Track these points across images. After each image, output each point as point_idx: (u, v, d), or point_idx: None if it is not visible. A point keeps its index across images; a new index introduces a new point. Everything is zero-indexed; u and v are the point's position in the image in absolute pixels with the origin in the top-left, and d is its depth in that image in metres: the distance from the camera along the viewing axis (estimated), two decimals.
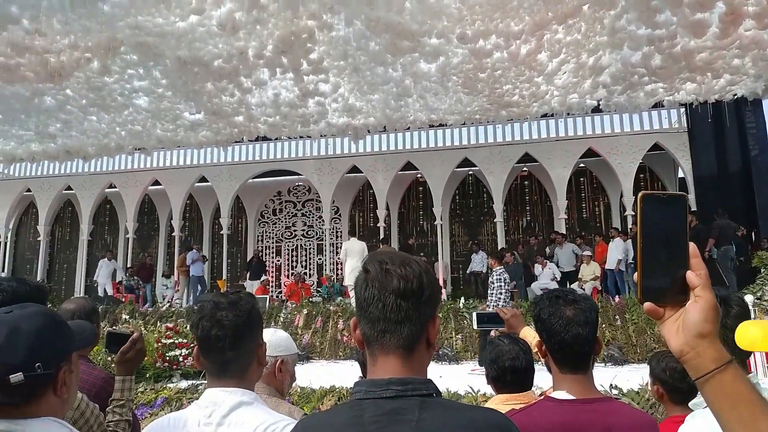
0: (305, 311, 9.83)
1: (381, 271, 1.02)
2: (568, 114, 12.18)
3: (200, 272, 13.61)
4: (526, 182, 15.90)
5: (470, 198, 16.09)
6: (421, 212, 16.36)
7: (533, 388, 2.30)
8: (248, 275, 14.23)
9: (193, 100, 9.96)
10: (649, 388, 2.29)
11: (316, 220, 16.68)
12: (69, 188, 16.58)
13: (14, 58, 8.08)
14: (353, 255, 10.64)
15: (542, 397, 2.09)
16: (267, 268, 15.39)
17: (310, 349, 8.98)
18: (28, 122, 11.29)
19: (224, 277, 15.32)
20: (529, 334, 2.27)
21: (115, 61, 8.74)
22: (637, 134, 13.38)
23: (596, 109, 11.50)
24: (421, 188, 16.19)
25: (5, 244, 16.99)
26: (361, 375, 1.90)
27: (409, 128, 12.69)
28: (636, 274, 0.83)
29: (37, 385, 1.11)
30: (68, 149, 12.74)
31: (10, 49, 7.67)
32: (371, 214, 16.29)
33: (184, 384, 5.83)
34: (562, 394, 1.53)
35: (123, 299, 13.19)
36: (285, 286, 15.40)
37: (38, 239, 16.96)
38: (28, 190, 16.88)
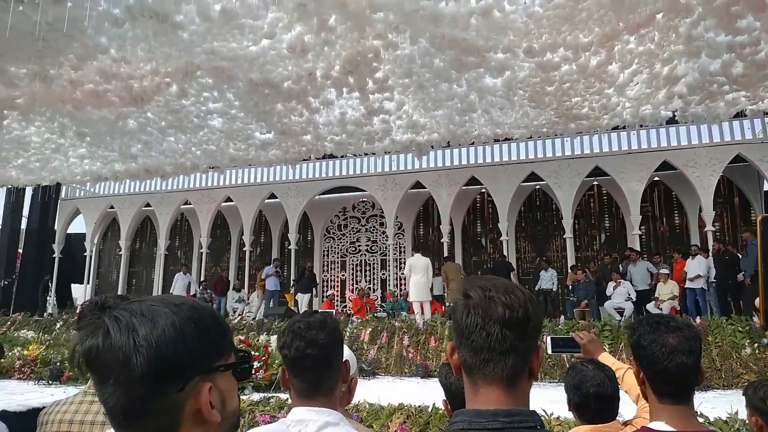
0: (371, 327, 9.86)
1: (485, 298, 1.00)
2: (641, 126, 11.70)
3: (274, 287, 13.96)
4: (599, 197, 15.35)
5: (537, 213, 15.73)
6: (485, 228, 16.13)
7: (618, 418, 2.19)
8: (299, 288, 14.34)
9: (263, 120, 10.32)
10: (746, 419, 2.12)
11: (380, 235, 16.80)
12: (148, 205, 17.57)
13: (102, 84, 8.67)
14: (417, 271, 10.62)
15: (627, 427, 1.99)
16: (317, 283, 15.49)
17: (375, 365, 9.00)
18: (112, 144, 12.06)
19: (291, 291, 15.65)
20: (608, 361, 2.17)
21: (192, 84, 9.21)
22: (716, 146, 12.66)
23: (671, 121, 10.97)
24: (485, 204, 15.99)
25: (90, 257, 18.14)
26: (445, 398, 1.87)
27: (473, 143, 12.58)
28: (758, 299, 0.78)
29: None
30: (148, 168, 13.49)
31: (99, 76, 8.23)
32: (434, 230, 16.23)
33: (256, 396, 5.97)
34: (660, 425, 1.44)
35: None
36: (350, 300, 15.57)
37: (119, 253, 18.01)
38: (111, 207, 18.02)
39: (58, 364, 8.62)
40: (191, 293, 15.77)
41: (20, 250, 18.15)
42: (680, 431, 1.41)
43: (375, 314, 11.41)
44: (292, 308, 13.64)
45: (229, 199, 16.60)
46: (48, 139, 11.74)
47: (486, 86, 9.43)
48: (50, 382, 8.06)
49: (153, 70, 8.39)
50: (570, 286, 12.43)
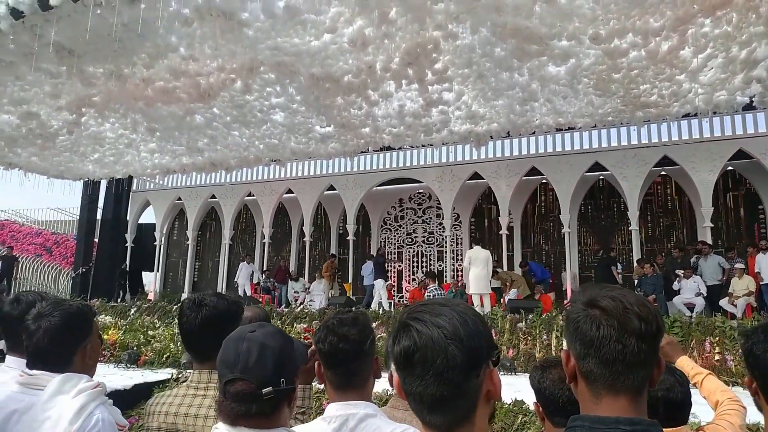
0: None
1: (618, 310, 1.00)
2: (715, 113, 11.09)
3: (371, 281, 14.10)
4: (667, 187, 14.71)
5: (601, 204, 15.23)
6: (546, 219, 15.77)
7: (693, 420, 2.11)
8: (373, 273, 14.16)
9: (324, 114, 10.47)
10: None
11: (437, 226, 16.76)
12: (213, 197, 18.23)
13: (172, 82, 9.04)
14: (477, 263, 10.53)
15: None
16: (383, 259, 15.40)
17: None
18: (180, 138, 12.56)
19: (350, 280, 15.88)
20: (686, 364, 2.09)
21: (256, 80, 9.46)
22: None
23: (748, 107, 10.37)
24: (546, 194, 15.64)
25: (159, 247, 19.03)
26: (536, 401, 1.85)
27: (534, 132, 12.31)
28: None
29: (279, 398, 1.24)
30: (213, 161, 13.97)
31: (169, 74, 8.58)
32: (492, 221, 16.03)
33: (321, 385, 6.12)
34: None
35: (260, 300, 14.19)
36: (407, 291, 15.65)
37: (186, 243, 18.80)
38: (179, 199, 18.81)
39: (135, 348, 9.12)
40: (254, 281, 16.29)
41: (96, 240, 19.23)
42: None
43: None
44: (352, 297, 13.85)
45: (289, 191, 16.99)
46: (121, 134, 12.36)
47: (549, 75, 9.20)
48: (128, 365, 8.54)
49: (219, 66, 8.67)
50: (636, 281, 11.99)
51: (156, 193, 19.08)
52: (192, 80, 9.01)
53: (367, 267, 14.35)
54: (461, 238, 16.11)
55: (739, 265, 10.62)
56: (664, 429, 1.91)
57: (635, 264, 12.37)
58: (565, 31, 7.69)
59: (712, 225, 12.41)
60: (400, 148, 14.52)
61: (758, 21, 7.12)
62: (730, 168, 13.49)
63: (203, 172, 16.06)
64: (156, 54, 7.92)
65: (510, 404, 5.23)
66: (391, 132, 11.25)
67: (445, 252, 15.33)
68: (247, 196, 17.85)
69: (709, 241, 11.88)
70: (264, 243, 17.17)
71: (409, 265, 17.04)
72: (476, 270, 10.42)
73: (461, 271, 15.03)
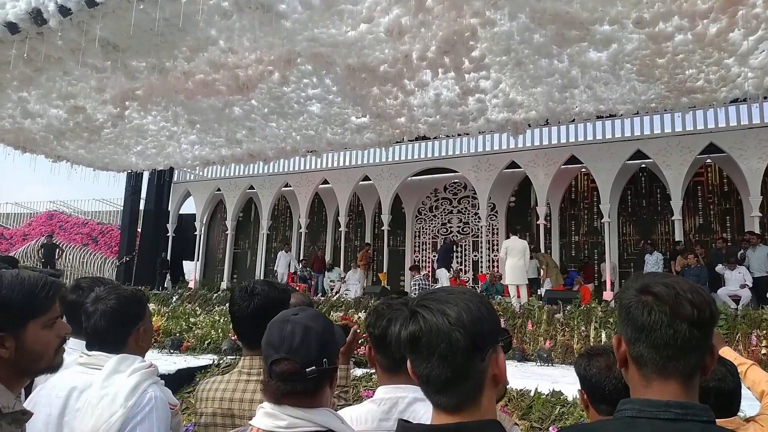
0: None
1: (671, 296, 1.01)
2: (765, 98, 10.64)
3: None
4: (713, 176, 14.22)
5: (642, 194, 14.82)
6: (586, 209, 15.47)
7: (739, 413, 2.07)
8: (437, 262, 13.95)
9: (359, 104, 10.49)
10: None
11: (472, 216, 16.65)
12: (251, 188, 18.54)
13: (211, 74, 9.20)
14: (514, 254, 10.42)
15: (749, 423, 1.88)
16: (456, 243, 15.08)
17: None
18: (219, 130, 12.79)
19: (385, 270, 15.95)
20: (730, 355, 2.07)
21: (293, 72, 9.54)
22: None
23: None
24: (586, 183, 15.32)
25: (199, 236, 19.48)
26: (580, 388, 1.84)
27: (573, 120, 12.05)
28: None
29: (322, 378, 1.29)
30: (252, 153, 14.19)
31: (209, 67, 8.73)
32: (530, 211, 15.81)
33: (358, 372, 6.20)
34: None
35: (297, 288, 14.42)
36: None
37: (225, 233, 19.19)
38: (218, 190, 19.19)
39: (178, 334, 9.40)
40: (291, 270, 16.52)
41: (139, 230, 19.81)
42: None
43: None
44: (387, 287, 13.89)
45: (325, 182, 17.14)
46: (163, 127, 12.66)
47: (590, 61, 8.99)
48: (171, 351, 8.80)
49: (257, 58, 8.77)
50: (679, 272, 11.67)
51: (196, 184, 19.52)
52: (231, 73, 9.14)
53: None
54: (497, 228, 15.95)
55: None
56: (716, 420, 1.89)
57: (678, 255, 12.02)
58: (607, 15, 7.49)
59: (761, 215, 11.95)
60: (435, 138, 14.40)
61: None
62: None
63: (242, 163, 16.35)
64: (196, 47, 8.06)
65: (548, 395, 5.19)
66: (427, 121, 11.19)
67: (481, 242, 15.22)
68: (284, 186, 18.09)
69: (758, 231, 11.45)
70: (300, 233, 17.41)
71: None
72: (513, 260, 10.32)
73: (497, 261, 14.90)
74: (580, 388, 1.83)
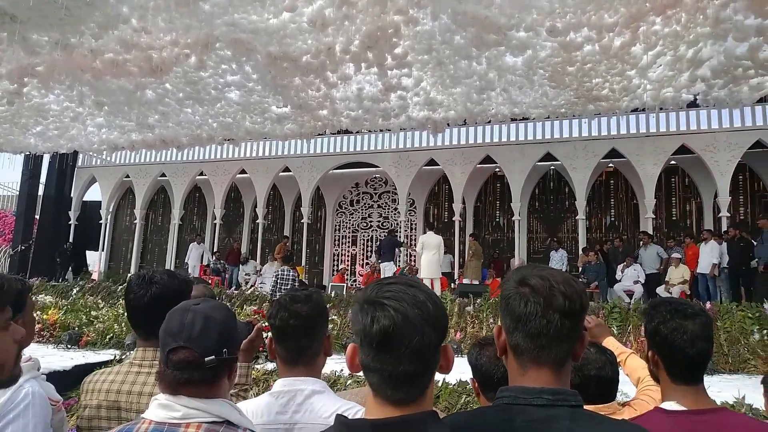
0: None
1: (545, 288, 1.06)
2: (661, 109, 11.54)
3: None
4: (611, 179, 15.26)
5: (551, 194, 15.67)
6: (498, 207, 16.10)
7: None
8: (380, 256, 13.48)
9: (280, 94, 10.30)
10: (764, 406, 2.18)
11: (392, 211, 16.86)
12: (163, 175, 17.70)
13: (122, 54, 8.69)
14: (430, 248, 10.67)
15: (625, 408, 2.05)
16: (403, 244, 14.59)
17: None
18: (130, 114, 12.10)
19: (303, 264, 15.82)
20: (612, 345, 2.23)
21: (211, 56, 9.20)
22: (737, 131, 12.49)
23: (692, 104, 10.84)
24: (499, 183, 15.96)
25: (105, 225, 18.38)
26: (472, 377, 1.93)
27: (490, 122, 12.50)
28: None
29: (221, 368, 1.26)
30: (164, 139, 13.54)
31: (120, 46, 8.24)
32: (446, 208, 16.25)
33: (270, 366, 6.12)
34: (672, 405, 1.50)
35: (210, 281, 13.95)
36: (360, 275, 15.71)
37: (134, 222, 18.23)
38: (127, 176, 18.18)
39: (76, 329, 8.83)
40: (204, 263, 15.98)
41: (37, 216, 18.40)
42: (693, 409, 1.47)
43: None
44: (305, 281, 13.78)
45: (243, 172, 16.69)
46: (67, 107, 11.81)
47: (506, 65, 9.35)
48: (69, 346, 8.27)
49: (173, 41, 8.38)
50: (581, 268, 12.46)
51: (103, 170, 18.38)
52: (144, 54, 8.67)
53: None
54: (416, 224, 16.27)
55: (676, 255, 11.18)
56: (595, 405, 2.04)
57: (580, 252, 12.82)
58: (523, 22, 7.81)
59: (654, 216, 12.99)
60: (357, 132, 14.46)
61: (705, 22, 7.42)
62: (673, 162, 14.10)
63: (153, 150, 15.57)
64: (106, 24, 7.57)
65: (455, 385, 5.37)
66: (349, 115, 11.18)
67: (400, 237, 15.46)
68: (199, 175, 17.43)
69: (650, 232, 12.43)
70: (215, 224, 16.86)
71: (363, 250, 17.08)
72: (428, 255, 10.58)
73: (415, 255, 15.17)
74: (472, 376, 1.92)
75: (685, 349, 1.50)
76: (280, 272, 9.58)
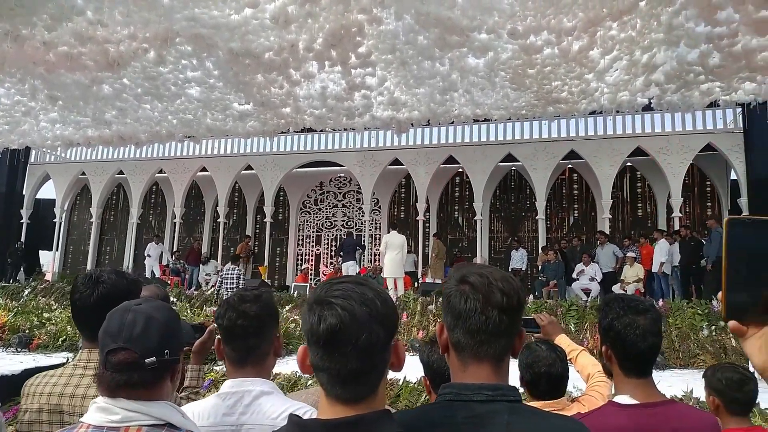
0: None
1: (484, 285, 1.08)
2: (618, 112, 11.85)
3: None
4: (573, 180, 15.62)
5: (512, 194, 15.93)
6: (461, 207, 16.28)
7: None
8: (341, 257, 13.56)
9: (242, 91, 10.17)
10: (705, 399, 2.27)
11: (356, 211, 16.84)
12: (121, 173, 17.21)
13: (77, 47, 8.42)
14: (393, 248, 10.71)
15: (574, 404, 2.12)
16: (364, 246, 14.77)
17: None
18: (85, 109, 11.73)
19: (266, 263, 15.64)
20: (564, 342, 2.29)
21: (170, 51, 9.00)
22: (689, 134, 12.98)
23: (647, 108, 11.21)
24: (462, 183, 16.14)
25: (60, 224, 17.76)
26: (424, 374, 1.96)
27: (453, 122, 12.63)
28: (721, 293, 0.87)
29: (162, 370, 1.22)
30: (122, 135, 13.18)
31: (74, 38, 7.99)
32: (411, 207, 16.33)
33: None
34: (625, 399, 1.56)
35: (169, 282, 13.65)
36: (324, 275, 15.64)
37: (90, 221, 17.67)
38: (83, 174, 17.60)
39: (27, 331, 8.51)
40: (164, 263, 15.63)
41: None
42: (644, 402, 1.53)
43: None
44: (267, 281, 13.63)
45: (204, 170, 16.38)
46: (18, 101, 11.40)
47: (468, 66, 9.47)
48: (18, 349, 7.96)
49: (130, 34, 8.16)
50: (540, 267, 12.71)
51: (57, 167, 17.74)
52: (100, 47, 8.42)
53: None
54: (380, 223, 16.30)
55: (631, 254, 11.54)
56: (545, 401, 2.10)
57: (540, 251, 13.08)
58: (485, 24, 7.93)
59: (611, 216, 13.36)
60: (321, 131, 14.36)
61: (659, 28, 7.69)
62: (629, 164, 14.53)
63: (110, 146, 15.14)
64: (59, 16, 7.32)
65: (416, 383, 5.41)
66: (313, 113, 11.13)
67: (364, 236, 15.46)
68: (158, 173, 17.01)
69: (607, 232, 12.79)
70: (175, 223, 16.50)
71: (328, 249, 17.00)
72: (391, 254, 10.61)
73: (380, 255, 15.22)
74: (423, 374, 1.95)
75: (638, 344, 1.55)
76: (224, 271, 9.45)
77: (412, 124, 12.14)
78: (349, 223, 16.98)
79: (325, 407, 1.01)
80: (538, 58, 8.90)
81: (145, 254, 15.35)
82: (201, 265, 14.83)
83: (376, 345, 0.97)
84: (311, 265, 16.85)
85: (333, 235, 17.02)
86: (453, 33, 8.06)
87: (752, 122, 12.12)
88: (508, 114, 11.67)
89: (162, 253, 15.69)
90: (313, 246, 17.16)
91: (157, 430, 1.17)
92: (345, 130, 13.81)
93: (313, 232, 17.29)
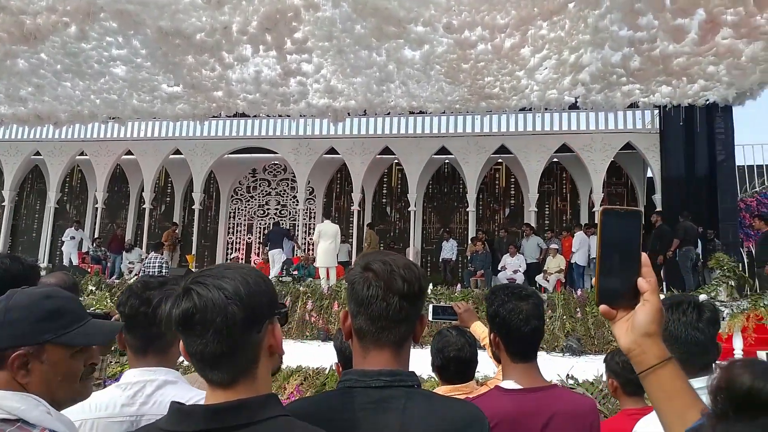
0: None
1: (386, 272, 1.10)
2: (546, 109, 12.32)
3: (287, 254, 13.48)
4: (502, 174, 16.10)
5: (445, 186, 16.23)
6: (395, 198, 16.42)
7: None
8: (268, 245, 13.45)
9: (172, 72, 9.78)
10: (606, 382, 2.44)
11: (290, 200, 16.62)
12: (38, 154, 16.11)
13: None
14: (327, 237, 10.67)
15: (492, 387, 2.22)
16: (293, 234, 14.74)
17: None
18: None
19: (194, 252, 15.18)
20: (479, 329, 2.39)
21: (94, 27, 8.53)
22: (610, 133, 13.67)
23: (573, 106, 11.71)
24: (396, 174, 16.27)
25: None
26: (337, 361, 1.98)
27: (389, 113, 12.72)
28: (594, 279, 0.94)
29: (22, 360, 1.16)
30: (39, 114, 12.35)
31: None
32: (346, 197, 16.31)
33: None
34: (510, 384, 1.65)
35: (89, 270, 12.97)
36: (255, 264, 15.36)
37: (2, 204, 16.45)
38: None
39: None
40: (83, 250, 14.82)
41: None
42: (527, 387, 1.63)
43: (280, 279, 11.34)
44: (193, 269, 13.18)
45: (129, 153, 15.59)
46: None
47: (405, 58, 9.54)
48: None
49: (49, 6, 7.67)
50: (469, 257, 13.07)
51: None
52: (15, 18, 7.84)
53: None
54: (315, 213, 16.16)
55: (554, 246, 12.08)
56: (454, 385, 2.18)
57: (469, 242, 13.44)
58: (422, 17, 8.01)
59: (536, 209, 13.91)
60: (255, 116, 14.05)
61: (586, 30, 8.04)
62: (555, 160, 15.13)
63: (27, 125, 14.13)
64: None
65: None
66: (246, 98, 10.88)
67: (298, 226, 15.30)
68: (79, 155, 16.04)
69: (533, 224, 13.31)
70: (97, 208, 15.64)
71: (259, 238, 16.68)
72: (325, 244, 10.56)
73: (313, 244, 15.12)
74: (336, 362, 1.97)
75: (521, 327, 1.64)
76: (147, 260, 9.07)
77: (348, 114, 12.11)
78: (282, 212, 16.73)
79: (208, 393, 1.02)
80: (472, 54, 9.09)
81: (62, 240, 14.46)
82: (124, 252, 14.14)
83: (233, 327, 0.96)
84: (242, 254, 16.49)
85: (265, 224, 16.69)
86: (390, 24, 8.09)
87: (667, 123, 12.95)
88: (443, 107, 11.86)
89: (81, 239, 14.84)
90: (244, 235, 16.78)
91: (3, 426, 1.06)
92: (280, 116, 13.59)
93: (244, 220, 16.89)
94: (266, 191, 16.95)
